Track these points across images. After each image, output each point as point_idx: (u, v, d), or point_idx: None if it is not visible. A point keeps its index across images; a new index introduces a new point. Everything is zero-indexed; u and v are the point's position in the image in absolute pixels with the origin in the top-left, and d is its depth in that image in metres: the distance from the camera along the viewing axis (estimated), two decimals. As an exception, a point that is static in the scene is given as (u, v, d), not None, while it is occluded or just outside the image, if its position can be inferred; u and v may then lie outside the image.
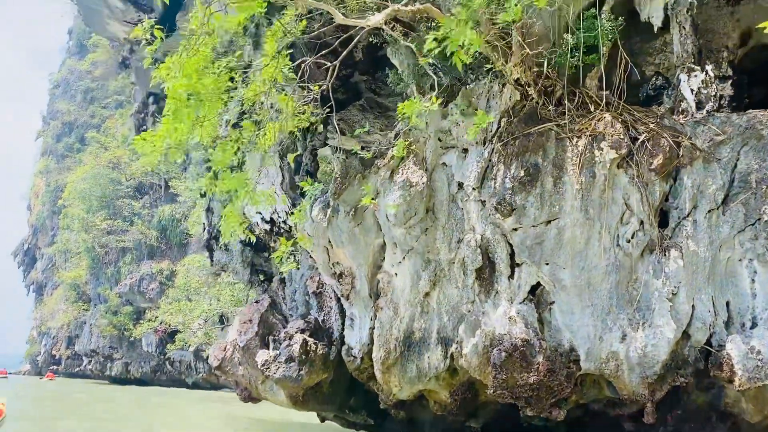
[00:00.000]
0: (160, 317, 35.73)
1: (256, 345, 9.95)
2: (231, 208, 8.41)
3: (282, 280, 12.46)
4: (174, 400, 29.71)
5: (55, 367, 64.82)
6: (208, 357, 40.16)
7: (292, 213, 10.88)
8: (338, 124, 9.16)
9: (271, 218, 11.09)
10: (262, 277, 13.67)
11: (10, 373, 63.32)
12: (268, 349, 10.00)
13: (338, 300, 10.27)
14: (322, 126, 9.65)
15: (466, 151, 8.15)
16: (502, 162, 7.63)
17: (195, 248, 50.10)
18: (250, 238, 11.81)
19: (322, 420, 13.37)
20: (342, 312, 10.17)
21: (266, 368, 9.28)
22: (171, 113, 6.57)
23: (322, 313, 10.50)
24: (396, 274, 8.52)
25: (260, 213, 11.11)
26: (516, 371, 7.47)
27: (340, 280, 9.01)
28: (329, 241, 8.73)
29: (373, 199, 7.71)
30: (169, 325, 41.35)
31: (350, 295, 8.97)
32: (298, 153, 10.83)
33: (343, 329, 10.10)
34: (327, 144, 11.27)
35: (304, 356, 9.06)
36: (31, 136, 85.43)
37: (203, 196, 14.78)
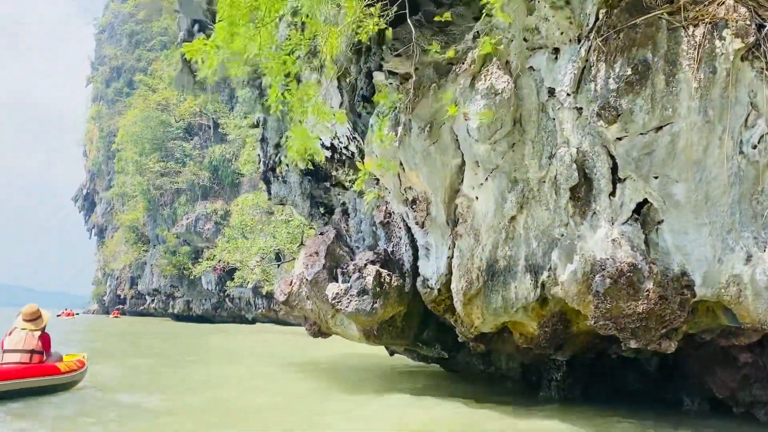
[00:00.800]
0: (218, 256, 35.83)
1: (325, 278, 9.26)
2: (297, 128, 7.56)
3: (344, 211, 11.70)
4: (245, 334, 29.97)
5: (120, 306, 66.96)
6: (266, 293, 40.45)
7: (354, 138, 10.00)
8: (394, 43, 8.16)
9: (332, 144, 10.24)
10: (322, 210, 12.94)
11: (77, 314, 65.62)
12: (337, 281, 9.31)
13: (408, 230, 9.45)
14: (378, 44, 8.61)
15: (557, 51, 7.03)
16: (603, 60, 6.51)
17: (247, 187, 50.15)
18: (309, 168, 11.02)
19: (392, 353, 12.82)
20: (413, 242, 9.35)
21: (337, 302, 8.59)
22: (225, 18, 5.68)
23: (391, 243, 9.72)
24: (477, 197, 7.59)
25: (320, 139, 10.25)
26: (622, 299, 6.55)
27: (414, 206, 8.14)
28: (401, 164, 7.82)
29: (455, 105, 6.68)
30: (228, 263, 41.69)
31: (425, 222, 8.11)
32: (353, 77, 9.84)
33: (414, 260, 9.32)
34: (382, 66, 10.20)
35: (378, 288, 8.31)
36: (83, 82, 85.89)
37: (256, 126, 13.99)
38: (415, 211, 8.15)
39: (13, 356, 8.42)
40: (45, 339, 8.81)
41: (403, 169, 7.91)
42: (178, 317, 55.82)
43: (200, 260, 48.04)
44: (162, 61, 60.48)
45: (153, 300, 60.23)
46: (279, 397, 9.34)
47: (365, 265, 9.22)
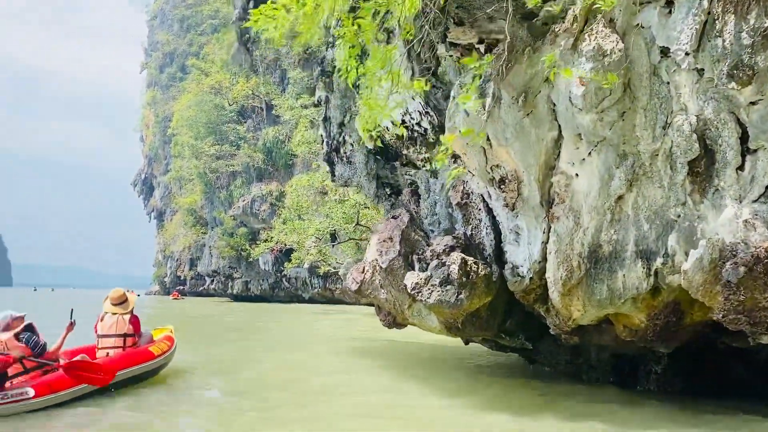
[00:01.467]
0: (276, 237, 35.62)
1: (401, 266, 8.52)
2: (368, 99, 6.78)
3: (414, 192, 10.90)
4: (309, 315, 29.76)
5: (180, 287, 68.06)
6: (322, 273, 40.07)
7: (426, 113, 9.17)
8: (458, 12, 7.27)
9: (403, 120, 9.42)
10: (388, 191, 12.18)
11: (138, 295, 66.93)
12: (413, 269, 8.55)
13: (489, 211, 8.59)
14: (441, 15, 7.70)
15: (670, 4, 6.02)
16: (732, 11, 5.51)
17: (300, 168, 49.86)
18: (377, 147, 10.24)
19: (467, 342, 12.03)
20: (494, 225, 8.51)
21: (417, 292, 7.84)
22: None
23: (469, 227, 8.88)
24: (577, 174, 6.68)
25: (390, 115, 9.45)
26: (758, 290, 5.60)
27: (502, 186, 7.28)
28: (488, 139, 6.96)
29: (552, 68, 5.73)
30: (285, 244, 41.54)
31: (516, 203, 7.24)
32: (423, 48, 8.97)
33: (496, 244, 8.48)
34: (447, 38, 9.27)
35: (464, 278, 7.51)
36: (137, 69, 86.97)
37: (318, 105, 13.27)
38: (503, 191, 7.29)
39: (108, 341, 8.55)
40: (135, 321, 8.86)
41: (491, 144, 7.05)
42: (237, 297, 56.35)
43: (257, 241, 48.16)
44: (213, 45, 60.49)
45: (212, 281, 60.96)
46: (374, 391, 8.72)
47: (444, 250, 8.43)
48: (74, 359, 7.63)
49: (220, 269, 57.68)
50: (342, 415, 7.13)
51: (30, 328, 7.42)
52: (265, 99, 53.50)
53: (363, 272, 9.21)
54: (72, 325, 8.05)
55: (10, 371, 6.97)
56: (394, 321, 9.33)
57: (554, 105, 6.56)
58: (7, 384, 6.82)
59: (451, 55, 7.93)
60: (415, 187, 11.07)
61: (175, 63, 75.50)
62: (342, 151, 11.97)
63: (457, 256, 7.63)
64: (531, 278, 7.52)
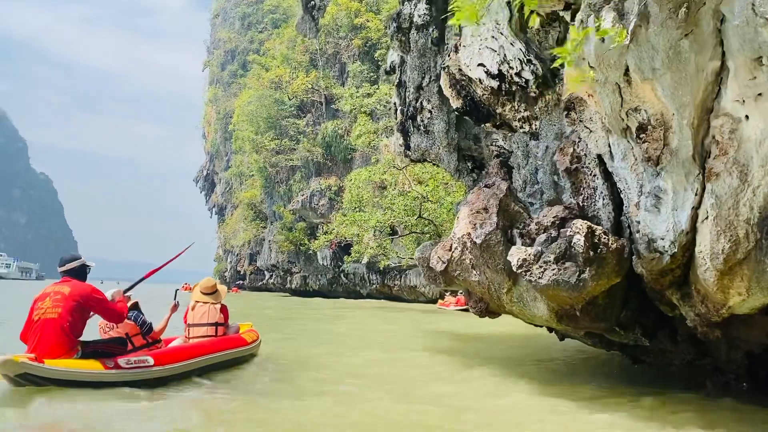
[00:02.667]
0: (336, 230, 34.46)
1: (499, 241, 6.99)
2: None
3: (503, 164, 9.36)
4: (371, 310, 28.53)
5: (240, 282, 67.96)
6: (382, 268, 38.74)
7: (528, 60, 7.60)
8: None
9: (500, 71, 7.88)
10: (470, 165, 10.66)
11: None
12: (512, 245, 7.02)
13: (607, 176, 7.00)
14: None
15: None
16: None
17: (359, 162, 48.71)
18: (465, 107, 8.75)
19: (562, 338, 10.40)
20: (613, 194, 6.91)
21: (525, 271, 6.31)
22: None
23: (579, 196, 7.29)
24: (747, 116, 5.04)
25: (483, 65, 7.92)
26: None
27: (642, 135, 5.67)
28: (626, 72, 5.37)
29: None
30: (342, 239, 40.39)
31: (660, 157, 5.62)
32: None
33: (616, 216, 6.87)
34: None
35: (591, 252, 5.93)
36: (200, 68, 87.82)
37: (390, 72, 11.86)
38: (643, 141, 5.68)
39: (200, 330, 8.52)
40: (225, 311, 8.87)
41: (630, 80, 5.45)
42: (295, 292, 55.66)
43: (316, 236, 47.29)
44: (274, 40, 60.02)
45: (271, 275, 60.50)
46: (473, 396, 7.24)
47: (554, 223, 6.87)
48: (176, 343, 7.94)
49: (279, 264, 57.11)
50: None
51: (137, 307, 7.56)
52: (324, 93, 52.58)
53: (450, 250, 7.73)
54: (176, 306, 8.25)
55: None
56: (486, 309, 7.81)
57: (721, 22, 4.92)
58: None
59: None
60: (504, 158, 9.54)
61: (237, 60, 75.62)
62: (419, 119, 10.50)
63: (582, 224, 6.06)
64: (673, 254, 5.87)
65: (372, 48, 48.26)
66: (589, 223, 6.08)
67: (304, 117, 54.29)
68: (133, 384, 6.33)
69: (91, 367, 6.22)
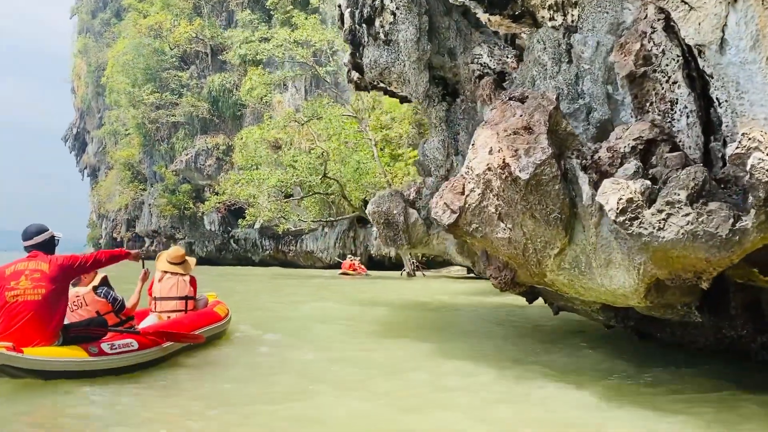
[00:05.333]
0: (229, 190, 30.78)
1: (554, 176, 4.48)
2: None
3: (497, 84, 6.86)
4: (282, 277, 25.55)
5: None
6: (282, 232, 35.76)
7: None
8: None
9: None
10: (442, 89, 8.04)
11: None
12: (570, 183, 4.53)
13: (692, 84, 4.71)
14: None
15: None
16: None
17: (250, 120, 44.88)
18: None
19: (557, 312, 8.19)
20: (701, 109, 4.61)
21: (630, 219, 3.85)
22: None
23: (648, 115, 4.91)
24: None
25: None
26: None
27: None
28: None
29: None
30: (233, 203, 36.68)
31: None
32: None
33: (705, 143, 4.59)
34: None
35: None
36: (66, 14, 78.64)
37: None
38: None
39: (168, 304, 7.77)
40: (194, 284, 8.05)
41: None
42: (180, 260, 51.05)
43: (203, 199, 43.22)
44: (152, -16, 53.80)
45: (152, 242, 55.37)
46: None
47: (635, 148, 4.44)
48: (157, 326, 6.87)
49: (161, 230, 52.17)
50: None
51: (106, 282, 6.81)
52: (210, 43, 47.82)
53: (464, 193, 5.09)
54: (146, 273, 7.14)
55: None
56: (512, 280, 5.27)
57: None
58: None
59: None
60: (499, 77, 7.03)
61: (109, 7, 68.10)
62: (377, 23, 7.70)
63: (761, 134, 3.60)
64: None
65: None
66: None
67: (188, 69, 49.20)
68: (118, 371, 5.72)
69: (74, 354, 5.55)
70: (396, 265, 31.84)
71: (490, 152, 4.83)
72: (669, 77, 4.95)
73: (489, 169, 4.83)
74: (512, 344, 7.81)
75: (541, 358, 6.75)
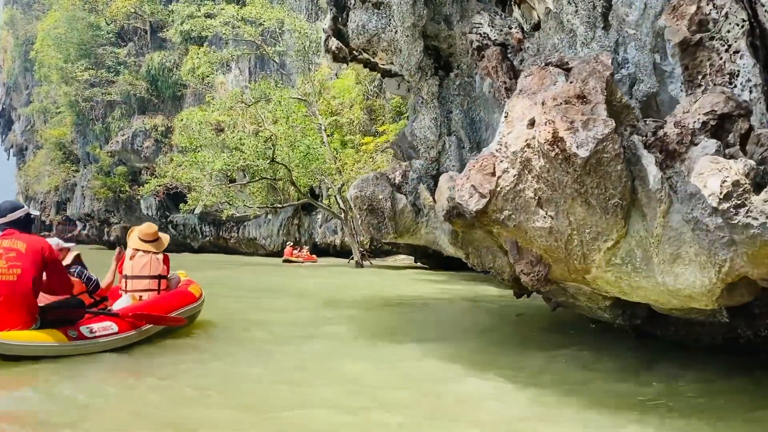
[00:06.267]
0: (171, 173, 29.07)
1: (617, 154, 3.70)
2: None
3: (503, 55, 6.10)
4: (238, 265, 24.26)
5: (47, 233, 58.53)
6: (226, 218, 34.40)
7: None
8: None
9: None
10: (433, 62, 7.19)
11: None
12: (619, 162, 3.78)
13: (754, 51, 4.07)
14: None
15: None
16: None
17: (191, 101, 42.92)
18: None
19: (555, 308, 7.54)
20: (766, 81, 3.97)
21: (736, 206, 3.12)
22: None
23: (699, 89, 4.22)
24: None
25: None
26: None
27: None
28: None
29: None
30: (172, 187, 34.83)
31: None
32: None
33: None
34: None
35: None
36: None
37: None
38: None
39: (140, 283, 7.24)
40: (167, 262, 7.57)
41: None
42: (113, 245, 48.56)
43: (139, 182, 41.11)
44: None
45: (85, 226, 52.61)
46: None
47: (704, 124, 3.73)
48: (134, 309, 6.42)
49: (94, 213, 49.50)
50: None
51: (79, 261, 6.54)
52: (150, 20, 45.41)
53: (494, 175, 4.26)
54: (121, 252, 7.27)
55: None
56: (545, 277, 4.48)
57: None
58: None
59: None
60: (505, 47, 6.28)
61: (40, -23, 63.93)
62: (367, -19, 6.77)
63: None
64: None
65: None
66: None
67: (125, 46, 46.61)
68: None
69: (53, 338, 5.28)
70: (341, 253, 30.98)
71: (531, 125, 4.03)
72: (730, 45, 4.26)
73: (528, 145, 4.03)
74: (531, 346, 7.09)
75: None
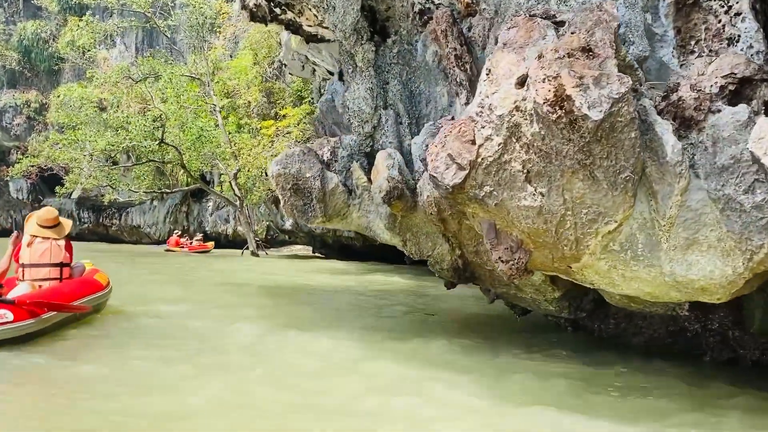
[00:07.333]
0: (46, 152, 26.24)
1: (632, 117, 3.05)
2: None
3: (452, 19, 5.42)
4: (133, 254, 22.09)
5: None
6: (108, 203, 31.75)
7: None
8: None
9: None
10: (370, 26, 6.37)
11: None
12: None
13: (758, 11, 3.61)
14: None
15: None
16: None
17: (69, 76, 39.55)
18: None
19: (493, 300, 7.01)
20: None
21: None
22: None
23: (692, 55, 3.73)
24: None
25: None
26: None
27: None
28: None
29: None
30: (48, 167, 31.73)
31: None
32: None
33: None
34: None
35: None
36: None
37: None
38: None
39: (40, 271, 6.77)
40: (70, 249, 7.09)
41: None
42: (-23, 232, 43.93)
43: (8, 162, 37.30)
44: None
45: (-58, 210, 47.14)
46: None
47: (722, 88, 3.20)
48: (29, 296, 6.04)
49: (-47, 196, 44.49)
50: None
51: None
52: (21, -17, 41.30)
53: (475, 144, 3.52)
54: (18, 237, 6.81)
55: None
56: (524, 265, 3.80)
57: None
58: None
59: None
60: (450, 9, 5.62)
61: None
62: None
63: None
64: None
65: None
66: None
67: (-7, 12, 42.10)
68: None
69: None
70: (233, 243, 29.49)
71: (522, 84, 3.32)
72: (730, 7, 3.76)
73: (517, 108, 3.32)
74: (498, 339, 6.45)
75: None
